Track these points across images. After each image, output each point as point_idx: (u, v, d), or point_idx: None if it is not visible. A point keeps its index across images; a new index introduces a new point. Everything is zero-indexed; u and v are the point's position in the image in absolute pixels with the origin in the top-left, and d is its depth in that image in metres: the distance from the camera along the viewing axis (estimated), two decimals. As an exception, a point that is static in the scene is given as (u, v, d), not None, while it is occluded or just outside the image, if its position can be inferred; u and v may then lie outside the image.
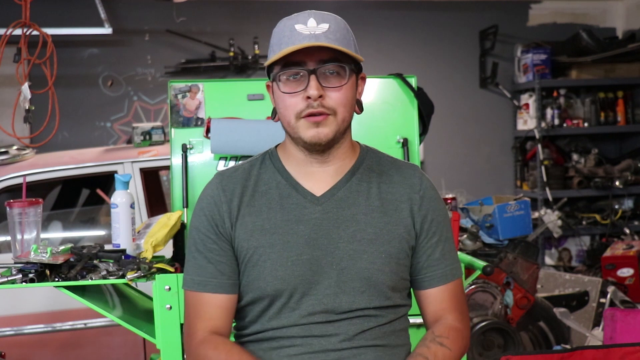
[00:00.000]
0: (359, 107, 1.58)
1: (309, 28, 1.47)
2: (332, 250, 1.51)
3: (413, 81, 2.67)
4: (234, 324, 1.61)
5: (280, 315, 1.51)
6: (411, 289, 1.64)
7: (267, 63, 1.52)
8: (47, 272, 2.20)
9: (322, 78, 1.48)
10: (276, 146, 1.64)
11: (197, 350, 1.52)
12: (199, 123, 2.60)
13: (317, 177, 1.56)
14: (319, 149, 1.52)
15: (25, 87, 3.34)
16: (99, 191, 4.11)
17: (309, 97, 1.47)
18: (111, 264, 2.25)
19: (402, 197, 1.57)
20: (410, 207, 1.57)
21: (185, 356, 1.58)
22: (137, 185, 3.50)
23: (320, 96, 1.47)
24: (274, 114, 1.58)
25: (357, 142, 1.64)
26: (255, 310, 1.54)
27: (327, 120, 1.49)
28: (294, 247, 1.51)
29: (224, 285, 1.54)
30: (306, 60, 1.47)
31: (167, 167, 3.14)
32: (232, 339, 1.59)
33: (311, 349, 1.49)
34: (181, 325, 2.19)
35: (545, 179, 5.71)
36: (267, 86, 1.59)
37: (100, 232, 3.92)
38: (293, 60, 1.48)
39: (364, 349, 1.51)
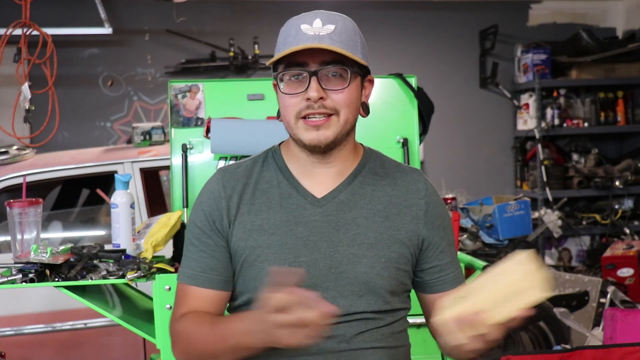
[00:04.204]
0: (364, 110, 1.56)
1: (314, 29, 1.45)
2: (331, 254, 1.50)
3: (413, 81, 2.67)
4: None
5: (277, 317, 1.50)
6: (411, 292, 1.63)
7: (269, 62, 1.51)
8: (47, 272, 2.20)
9: (324, 80, 1.46)
10: (280, 144, 1.62)
11: (175, 325, 1.52)
12: (199, 123, 2.60)
13: (319, 178, 1.54)
14: (319, 151, 1.51)
15: (25, 87, 3.34)
16: (99, 191, 4.11)
17: (309, 99, 1.46)
18: (111, 264, 2.25)
19: (405, 202, 1.56)
20: (414, 212, 1.55)
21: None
22: (137, 185, 3.49)
23: (321, 98, 1.46)
24: (279, 114, 1.56)
25: (361, 143, 1.62)
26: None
27: (329, 122, 1.47)
28: (292, 249, 1.49)
29: (214, 281, 1.53)
30: (309, 62, 1.46)
31: (167, 167, 3.14)
32: None
33: (308, 351, 1.47)
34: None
35: (545, 179, 5.71)
36: (274, 85, 1.57)
37: (100, 232, 3.92)
38: (296, 61, 1.46)
39: (362, 351, 1.49)
